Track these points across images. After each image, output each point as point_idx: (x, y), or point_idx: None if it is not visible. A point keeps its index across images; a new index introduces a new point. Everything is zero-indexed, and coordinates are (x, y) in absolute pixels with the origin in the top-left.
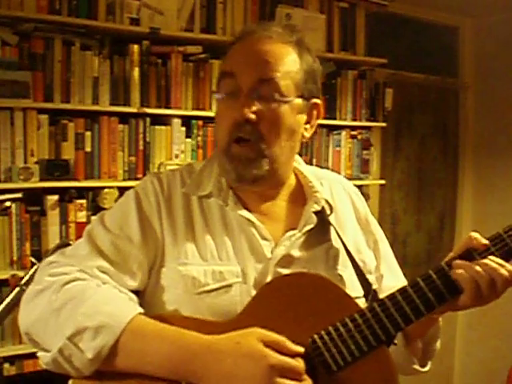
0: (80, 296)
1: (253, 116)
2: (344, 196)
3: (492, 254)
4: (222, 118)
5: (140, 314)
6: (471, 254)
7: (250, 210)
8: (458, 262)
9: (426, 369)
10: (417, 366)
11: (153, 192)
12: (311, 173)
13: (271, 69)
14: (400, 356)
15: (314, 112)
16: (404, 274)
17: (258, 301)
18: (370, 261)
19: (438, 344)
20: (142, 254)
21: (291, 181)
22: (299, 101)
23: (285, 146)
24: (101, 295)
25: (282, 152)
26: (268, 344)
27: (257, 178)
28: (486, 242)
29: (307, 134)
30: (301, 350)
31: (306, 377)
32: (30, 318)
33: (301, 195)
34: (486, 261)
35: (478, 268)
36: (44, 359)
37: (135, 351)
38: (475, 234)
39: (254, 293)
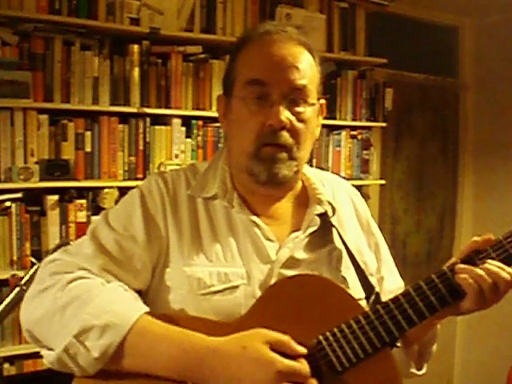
0: (86, 294)
1: (288, 123)
2: (345, 198)
3: (492, 259)
4: (246, 121)
5: (146, 313)
6: (472, 259)
7: (255, 212)
8: (461, 266)
9: (422, 372)
10: (413, 370)
11: (158, 191)
12: (314, 175)
13: (302, 76)
14: (398, 359)
15: (320, 112)
16: (404, 275)
17: (262, 302)
18: (372, 262)
19: (435, 347)
20: (146, 254)
21: (297, 183)
22: (317, 103)
23: (308, 148)
24: (107, 294)
25: (305, 155)
26: (272, 344)
27: (286, 179)
28: (489, 235)
29: (317, 134)
30: (304, 350)
31: (312, 380)
32: (33, 315)
33: (305, 197)
34: (487, 265)
35: (480, 272)
36: (48, 358)
37: (141, 351)
38: (478, 238)
39: (258, 295)
